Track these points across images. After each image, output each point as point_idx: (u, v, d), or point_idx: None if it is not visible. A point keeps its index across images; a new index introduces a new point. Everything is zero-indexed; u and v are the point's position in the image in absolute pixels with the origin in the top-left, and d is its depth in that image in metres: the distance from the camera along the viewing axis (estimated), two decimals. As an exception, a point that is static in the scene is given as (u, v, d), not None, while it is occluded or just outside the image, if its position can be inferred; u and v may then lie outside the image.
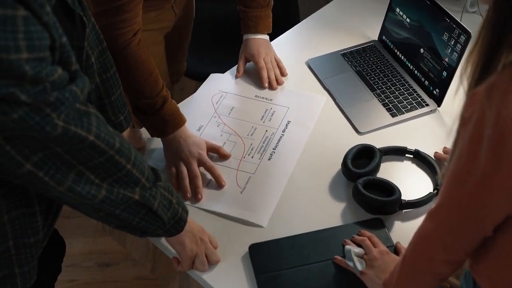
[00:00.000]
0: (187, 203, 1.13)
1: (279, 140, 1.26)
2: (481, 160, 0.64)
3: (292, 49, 1.53)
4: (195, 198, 1.13)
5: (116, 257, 1.93)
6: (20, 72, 0.63)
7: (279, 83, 1.41)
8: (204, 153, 1.18)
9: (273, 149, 1.24)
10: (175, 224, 0.93)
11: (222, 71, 1.47)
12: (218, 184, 1.16)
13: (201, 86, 1.42)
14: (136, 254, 1.94)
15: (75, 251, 1.91)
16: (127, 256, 1.93)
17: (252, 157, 1.22)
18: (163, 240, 1.03)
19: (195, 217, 1.05)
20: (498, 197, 0.67)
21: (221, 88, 1.41)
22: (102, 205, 0.82)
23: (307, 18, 1.65)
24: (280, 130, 1.29)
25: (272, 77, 1.40)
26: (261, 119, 1.32)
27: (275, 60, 1.45)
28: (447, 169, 0.71)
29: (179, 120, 1.19)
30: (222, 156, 1.22)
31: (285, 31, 1.60)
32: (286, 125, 1.30)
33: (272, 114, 1.33)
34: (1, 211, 0.81)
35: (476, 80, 0.66)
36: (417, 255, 0.80)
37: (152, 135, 1.22)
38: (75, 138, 0.72)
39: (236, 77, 1.44)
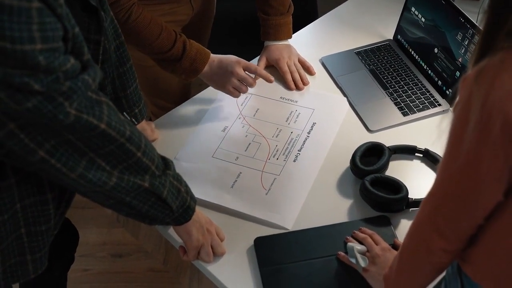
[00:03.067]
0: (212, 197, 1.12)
1: (304, 141, 1.25)
2: (466, 142, 0.63)
3: (307, 46, 1.53)
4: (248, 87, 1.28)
5: (129, 249, 1.96)
6: (34, 62, 0.65)
7: (304, 83, 1.41)
8: (242, 60, 1.26)
9: (298, 150, 1.23)
10: (183, 212, 0.95)
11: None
12: (268, 79, 1.30)
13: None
14: (148, 246, 1.96)
15: (89, 241, 1.94)
16: (139, 248, 1.96)
17: (277, 158, 1.21)
18: (173, 233, 1.03)
19: (203, 210, 1.07)
20: (487, 181, 0.65)
21: None
22: (112, 192, 0.84)
23: (323, 16, 1.65)
24: (305, 131, 1.28)
25: (297, 78, 1.41)
26: (286, 121, 1.31)
27: (300, 61, 1.45)
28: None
29: (205, 53, 1.25)
30: (262, 75, 1.31)
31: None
32: (312, 126, 1.29)
33: (298, 116, 1.32)
34: (14, 199, 0.83)
35: (473, 66, 0.66)
36: (415, 245, 0.78)
37: (187, 79, 1.27)
38: (87, 126, 0.74)
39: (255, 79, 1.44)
